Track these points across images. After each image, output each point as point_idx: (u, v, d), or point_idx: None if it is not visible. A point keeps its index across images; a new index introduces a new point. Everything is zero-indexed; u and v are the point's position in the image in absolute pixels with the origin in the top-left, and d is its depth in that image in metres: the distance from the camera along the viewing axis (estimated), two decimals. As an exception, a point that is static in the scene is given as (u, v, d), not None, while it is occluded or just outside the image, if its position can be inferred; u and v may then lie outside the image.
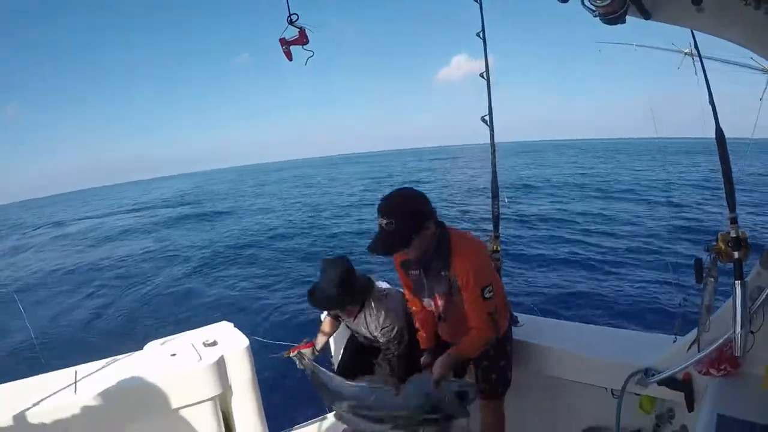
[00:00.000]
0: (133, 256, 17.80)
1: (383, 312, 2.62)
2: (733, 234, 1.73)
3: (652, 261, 10.36)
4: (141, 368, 2.60)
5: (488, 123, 2.91)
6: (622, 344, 2.48)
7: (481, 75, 2.96)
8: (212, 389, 2.64)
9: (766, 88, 2.37)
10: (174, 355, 2.74)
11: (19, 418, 2.16)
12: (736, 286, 1.69)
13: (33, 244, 25.29)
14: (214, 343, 2.85)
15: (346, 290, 2.55)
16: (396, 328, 2.60)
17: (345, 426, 2.80)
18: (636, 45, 3.03)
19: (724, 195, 1.74)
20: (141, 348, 2.96)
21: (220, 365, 2.69)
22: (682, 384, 2.07)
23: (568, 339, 2.64)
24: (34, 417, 2.19)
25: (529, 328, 2.81)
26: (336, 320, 2.98)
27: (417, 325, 2.61)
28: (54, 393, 2.33)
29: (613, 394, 2.40)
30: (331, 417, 3.63)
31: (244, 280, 12.11)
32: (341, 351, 3.24)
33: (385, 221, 2.09)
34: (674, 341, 2.20)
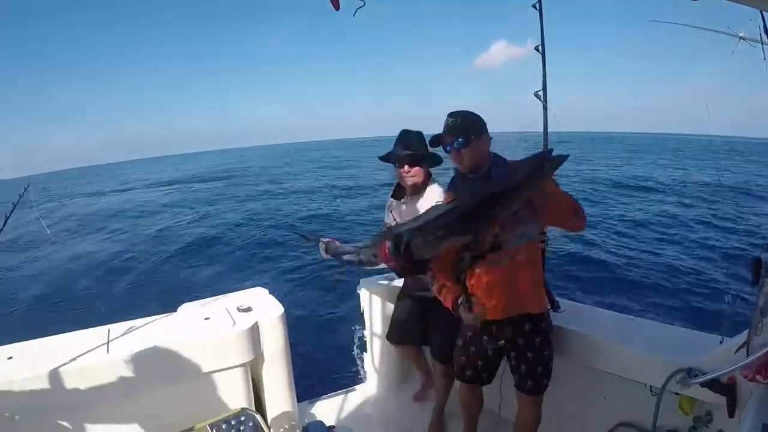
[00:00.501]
0: (175, 225, 18.33)
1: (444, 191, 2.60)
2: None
3: (701, 258, 10.14)
4: (174, 331, 2.63)
5: (542, 99, 2.81)
6: (665, 340, 2.40)
7: (536, 48, 2.85)
8: (245, 355, 2.65)
9: None
10: (208, 319, 2.76)
11: (53, 375, 2.20)
12: None
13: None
14: (249, 309, 2.86)
15: (424, 146, 2.66)
16: None
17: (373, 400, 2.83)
18: (689, 25, 2.87)
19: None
20: (175, 310, 2.98)
21: (254, 332, 2.69)
22: (726, 388, 1.99)
23: (610, 329, 2.58)
24: (67, 375, 2.23)
25: (570, 314, 2.76)
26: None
27: None
28: (87, 351, 2.36)
29: (651, 390, 2.33)
30: (358, 389, 3.68)
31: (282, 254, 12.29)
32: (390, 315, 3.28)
33: (451, 119, 2.18)
34: (721, 342, 2.11)
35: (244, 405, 2.71)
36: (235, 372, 2.68)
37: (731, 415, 1.98)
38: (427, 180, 2.80)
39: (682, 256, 10.38)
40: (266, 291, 3.20)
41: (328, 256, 2.75)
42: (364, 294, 3.56)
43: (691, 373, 2.07)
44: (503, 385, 2.68)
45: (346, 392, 3.62)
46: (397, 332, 3.19)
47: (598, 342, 2.52)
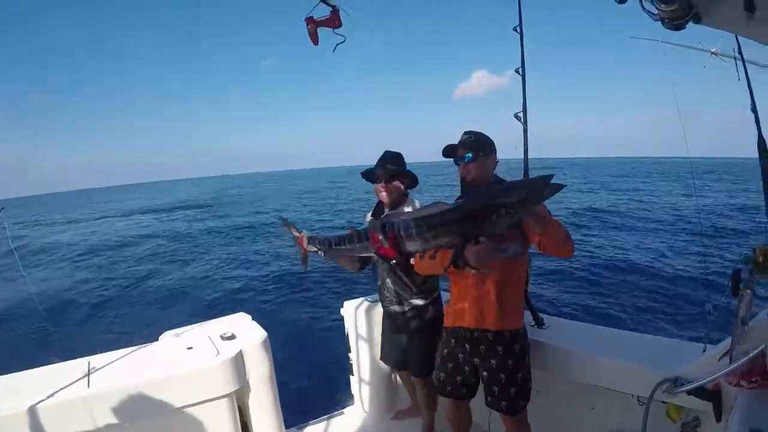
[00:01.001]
0: (151, 250, 18.14)
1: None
2: (773, 247, 1.67)
3: (680, 269, 10.37)
4: (156, 362, 2.57)
5: (522, 120, 2.84)
6: (650, 351, 2.44)
7: (517, 70, 2.89)
8: (230, 385, 2.60)
9: None
10: (191, 348, 2.71)
11: (32, 410, 2.13)
12: None
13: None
14: (233, 337, 2.81)
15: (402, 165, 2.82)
16: None
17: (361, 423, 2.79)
18: (662, 41, 2.94)
19: (765, 205, 1.69)
20: (156, 338, 2.92)
21: (239, 360, 2.65)
22: (711, 394, 2.03)
23: (595, 343, 2.61)
24: (46, 410, 2.16)
25: (555, 330, 2.80)
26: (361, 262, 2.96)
27: None
28: (67, 386, 2.30)
29: (639, 400, 2.36)
30: (347, 412, 3.64)
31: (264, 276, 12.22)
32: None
33: (465, 136, 2.37)
34: (704, 350, 2.16)
35: None
36: (221, 403, 2.63)
37: (718, 420, 2.02)
38: (405, 198, 2.87)
39: (663, 268, 10.61)
40: (249, 317, 3.16)
41: (312, 248, 2.71)
42: (348, 316, 3.52)
43: (677, 382, 2.10)
44: None
45: (335, 416, 3.57)
46: (391, 357, 3.19)
47: (583, 356, 2.54)
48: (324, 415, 3.54)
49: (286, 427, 3.10)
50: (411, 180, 2.91)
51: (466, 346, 2.46)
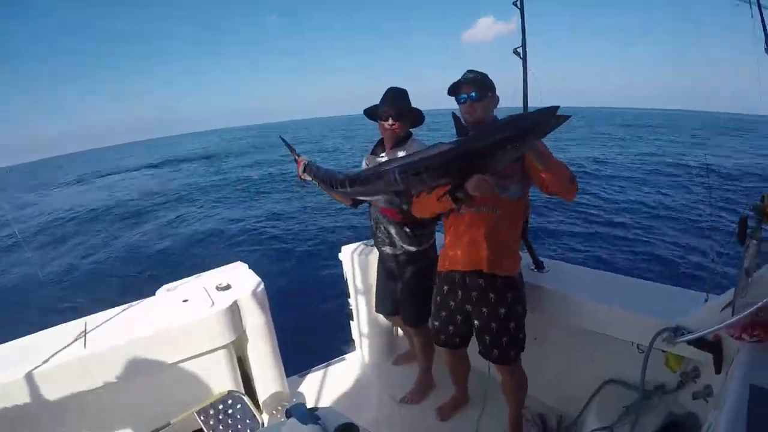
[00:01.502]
0: (144, 198, 18.15)
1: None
2: (783, 195, 1.58)
3: (687, 216, 10.32)
4: (152, 317, 2.56)
5: (521, 56, 2.64)
6: (651, 298, 2.37)
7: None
8: (227, 336, 2.61)
9: None
10: (186, 300, 2.70)
11: (29, 376, 2.15)
12: None
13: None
14: (228, 287, 2.81)
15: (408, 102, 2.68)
16: None
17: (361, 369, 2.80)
18: None
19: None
20: (153, 293, 2.92)
21: (234, 310, 2.65)
22: (712, 345, 1.97)
23: (595, 288, 2.54)
24: (43, 374, 2.18)
25: (555, 274, 2.74)
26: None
27: None
28: (63, 348, 2.30)
29: (638, 348, 2.33)
30: (347, 357, 3.67)
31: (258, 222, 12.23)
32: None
33: (471, 74, 2.23)
34: (706, 300, 2.09)
35: (231, 387, 2.69)
36: (219, 354, 2.64)
37: (718, 371, 1.98)
38: (408, 136, 2.73)
39: (670, 214, 10.49)
40: (246, 265, 3.14)
41: (307, 177, 2.68)
42: (346, 261, 3.49)
43: (677, 331, 2.05)
44: None
45: (336, 362, 3.60)
46: (383, 304, 3.16)
47: (583, 302, 2.48)
48: (325, 362, 3.58)
49: (288, 375, 3.13)
50: (417, 117, 2.77)
51: (458, 292, 2.41)
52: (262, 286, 2.83)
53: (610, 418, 2.32)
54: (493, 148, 1.78)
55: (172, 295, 2.81)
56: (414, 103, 2.69)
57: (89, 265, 10.82)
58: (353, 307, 3.60)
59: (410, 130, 2.76)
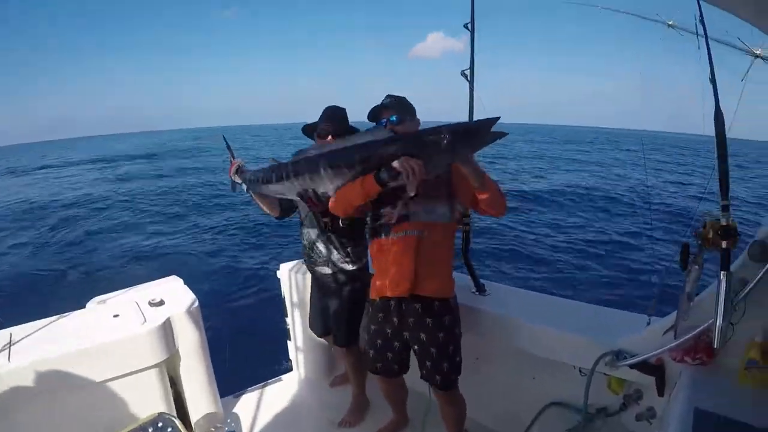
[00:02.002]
0: (81, 203, 17.22)
1: None
2: (723, 222, 1.61)
3: (628, 241, 10.60)
4: (80, 332, 2.40)
5: (468, 78, 2.66)
6: (593, 321, 2.38)
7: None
8: (158, 355, 2.46)
9: (747, 72, 2.19)
10: (117, 316, 2.54)
11: None
12: (722, 276, 1.59)
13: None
14: (161, 303, 2.67)
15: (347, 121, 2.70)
16: None
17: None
18: (601, 7, 2.78)
19: (717, 180, 1.62)
20: (83, 305, 2.74)
21: (167, 328, 2.52)
22: (654, 368, 2.00)
23: (537, 311, 2.53)
24: None
25: (497, 297, 2.72)
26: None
27: None
28: None
29: (581, 372, 2.33)
30: (284, 378, 3.54)
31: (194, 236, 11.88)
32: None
33: (390, 99, 2.28)
34: (648, 323, 2.12)
35: (162, 408, 2.53)
36: (150, 373, 2.49)
37: (661, 394, 2.00)
38: None
39: (609, 237, 10.86)
40: (181, 281, 3.00)
41: (238, 179, 2.62)
42: (284, 279, 3.39)
43: (620, 355, 2.07)
44: None
45: (273, 383, 3.47)
46: (316, 324, 3.08)
47: (525, 325, 2.46)
48: (261, 383, 3.44)
49: (222, 396, 2.99)
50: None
51: (394, 320, 2.33)
52: (197, 303, 2.71)
53: None
54: (428, 148, 1.84)
55: (102, 309, 2.66)
56: (358, 114, 2.70)
57: (9, 269, 10.06)
58: (290, 326, 3.50)
59: None
